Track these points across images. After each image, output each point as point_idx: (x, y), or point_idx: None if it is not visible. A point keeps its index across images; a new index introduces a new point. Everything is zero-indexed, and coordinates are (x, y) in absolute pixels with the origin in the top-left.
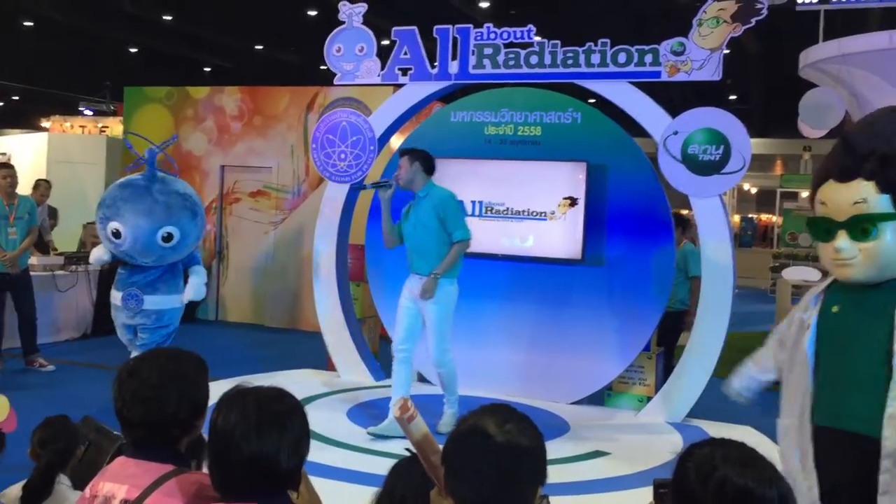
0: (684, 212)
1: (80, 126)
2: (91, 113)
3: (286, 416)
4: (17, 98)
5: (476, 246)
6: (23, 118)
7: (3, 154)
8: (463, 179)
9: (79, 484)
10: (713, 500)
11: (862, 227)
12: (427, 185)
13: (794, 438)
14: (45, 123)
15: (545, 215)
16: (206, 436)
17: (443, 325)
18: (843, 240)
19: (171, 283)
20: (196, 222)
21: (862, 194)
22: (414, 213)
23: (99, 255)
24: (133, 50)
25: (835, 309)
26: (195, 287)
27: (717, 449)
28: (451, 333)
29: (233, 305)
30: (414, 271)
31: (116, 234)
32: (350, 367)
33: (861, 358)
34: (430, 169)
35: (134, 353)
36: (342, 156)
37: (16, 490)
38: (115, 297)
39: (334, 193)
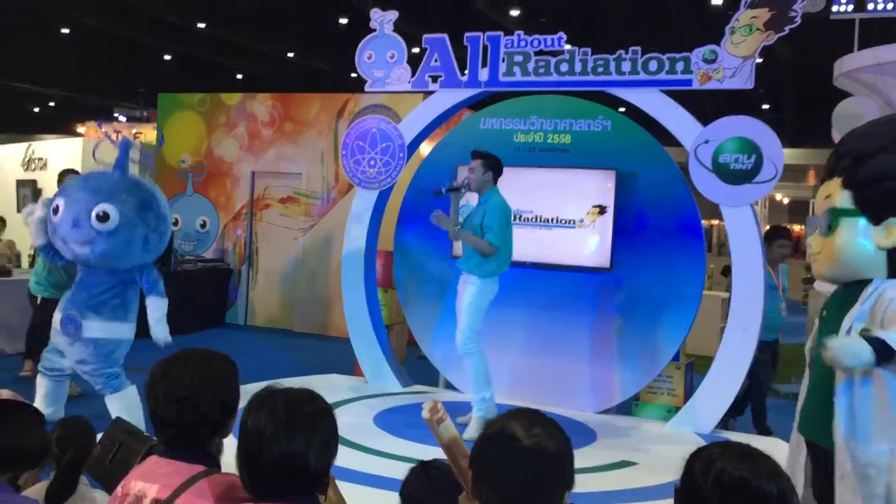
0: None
1: (115, 132)
2: (125, 119)
3: (316, 418)
4: (53, 104)
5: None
6: (59, 124)
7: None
8: (501, 186)
9: (107, 484)
10: (712, 492)
11: (827, 223)
12: (491, 191)
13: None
14: (80, 129)
15: (574, 223)
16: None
17: (472, 310)
18: (813, 237)
19: (121, 308)
20: (145, 219)
21: (829, 190)
22: (470, 216)
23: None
24: (167, 57)
25: (824, 313)
26: (155, 326)
27: (722, 447)
28: (480, 326)
29: (262, 310)
30: (460, 269)
31: (56, 210)
32: (378, 373)
33: (819, 361)
34: (498, 176)
35: (39, 393)
36: (371, 162)
37: (38, 489)
38: (56, 319)
39: (363, 200)
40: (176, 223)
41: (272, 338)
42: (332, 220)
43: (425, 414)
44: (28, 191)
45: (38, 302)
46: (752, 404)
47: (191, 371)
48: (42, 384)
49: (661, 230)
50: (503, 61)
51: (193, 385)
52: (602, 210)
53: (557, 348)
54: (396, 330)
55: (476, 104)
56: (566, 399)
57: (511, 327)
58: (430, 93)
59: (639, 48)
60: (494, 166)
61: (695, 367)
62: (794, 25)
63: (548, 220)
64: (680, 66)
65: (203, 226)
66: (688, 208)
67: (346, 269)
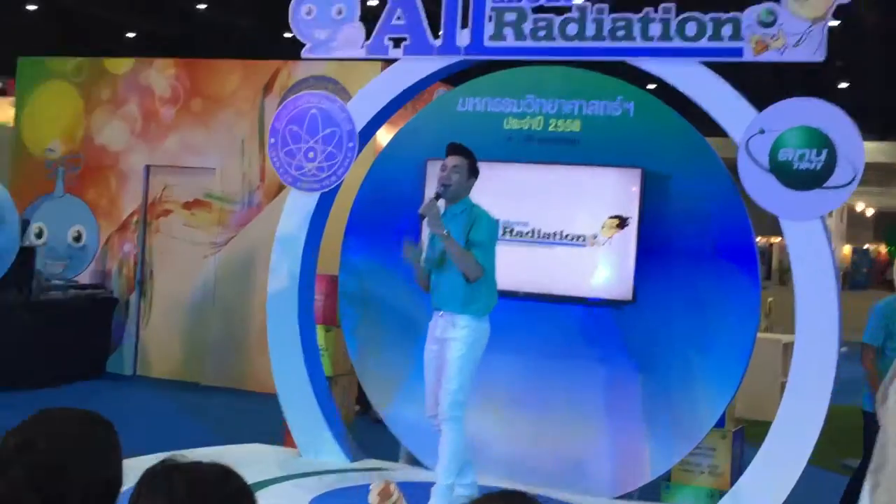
0: None
1: None
2: None
3: (230, 503)
4: None
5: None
6: None
7: None
8: (473, 189)
9: None
10: None
11: None
12: (467, 200)
13: None
14: None
15: (584, 240)
16: None
17: (463, 367)
18: None
19: None
20: None
21: None
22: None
23: None
24: (31, 7)
25: None
26: None
27: None
28: (471, 385)
29: (158, 356)
30: (436, 307)
31: None
32: (315, 442)
33: None
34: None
35: None
36: (310, 154)
37: None
38: None
39: (298, 206)
40: (40, 234)
41: (172, 394)
42: (256, 233)
43: (373, 498)
44: None
45: None
46: (847, 489)
47: (58, 441)
48: None
49: (700, 250)
50: (490, 20)
51: (61, 460)
52: (622, 223)
53: (561, 410)
54: (342, 384)
55: (452, 78)
56: (573, 479)
57: (499, 382)
58: (392, 61)
59: (672, 5)
60: (475, 166)
61: (746, 436)
62: None
63: (549, 235)
64: (727, 30)
65: (77, 239)
66: (737, 221)
67: (273, 300)
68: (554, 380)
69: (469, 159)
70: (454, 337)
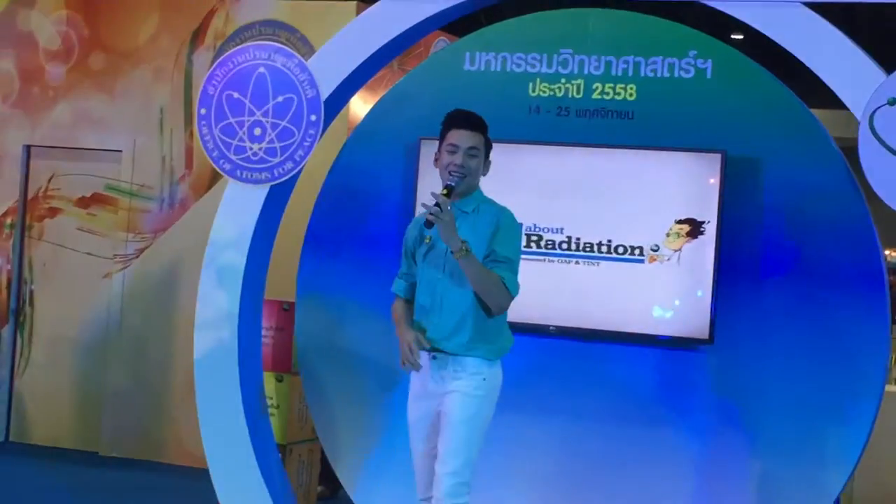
0: None
1: None
2: None
3: None
4: None
5: (510, 311)
6: None
7: None
8: (484, 181)
9: None
10: None
11: None
12: (477, 193)
13: None
14: None
15: (641, 254)
16: None
17: (472, 433)
18: None
19: None
20: None
21: None
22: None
23: None
24: None
25: None
26: None
27: None
28: (478, 457)
29: (40, 414)
30: (429, 340)
31: None
32: None
33: None
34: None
35: None
36: (257, 132)
37: None
38: None
39: (239, 204)
40: None
41: (59, 468)
42: (180, 242)
43: None
44: None
45: None
46: None
47: None
48: None
49: (805, 270)
50: None
51: None
52: (696, 229)
53: (606, 484)
54: (299, 454)
55: (457, 25)
56: None
57: (520, 445)
58: (372, 1)
59: None
60: (490, 149)
61: None
62: None
63: (591, 247)
64: None
65: None
66: (857, 227)
67: (202, 336)
68: (597, 452)
69: (487, 136)
70: (459, 390)
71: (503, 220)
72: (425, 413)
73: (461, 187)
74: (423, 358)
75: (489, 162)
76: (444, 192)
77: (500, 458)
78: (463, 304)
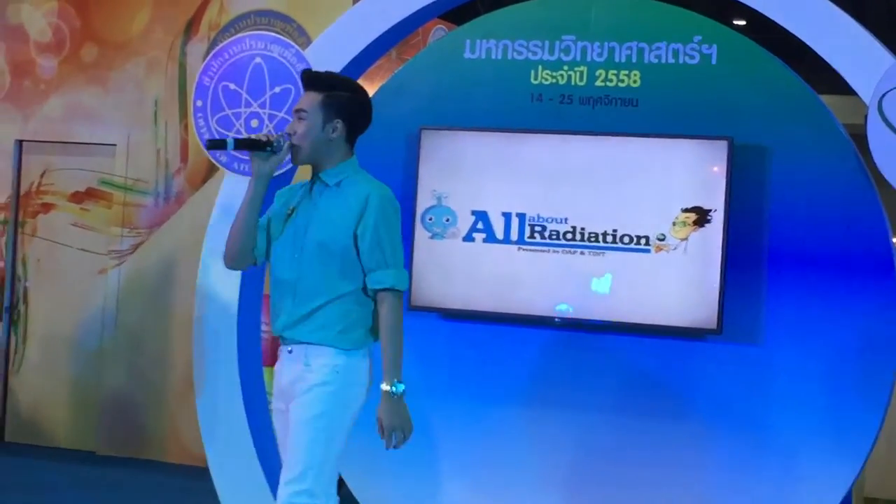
0: None
1: None
2: None
3: None
4: None
5: (506, 302)
6: None
7: None
8: (487, 171)
9: None
10: None
11: None
12: (345, 165)
13: None
14: None
15: (648, 243)
16: None
17: (324, 429)
18: None
19: None
20: None
21: None
22: (303, 216)
23: None
24: None
25: None
26: None
27: None
28: (336, 464)
29: (35, 414)
30: (278, 332)
31: None
32: None
33: None
34: (357, 132)
35: None
36: (254, 123)
37: None
38: None
39: (237, 197)
40: None
41: (55, 468)
42: (176, 237)
43: None
44: None
45: None
46: None
47: None
48: None
49: (813, 258)
50: None
51: None
52: (702, 217)
53: (609, 486)
54: None
55: (457, 13)
56: None
57: (515, 446)
58: None
59: None
60: (352, 106)
61: None
62: None
63: (595, 237)
64: None
65: None
66: (866, 215)
67: (200, 332)
68: (603, 443)
69: (330, 90)
70: (310, 387)
71: (372, 201)
72: (284, 422)
73: (281, 150)
74: (280, 353)
75: (338, 125)
76: (276, 136)
77: (504, 451)
78: (314, 289)
